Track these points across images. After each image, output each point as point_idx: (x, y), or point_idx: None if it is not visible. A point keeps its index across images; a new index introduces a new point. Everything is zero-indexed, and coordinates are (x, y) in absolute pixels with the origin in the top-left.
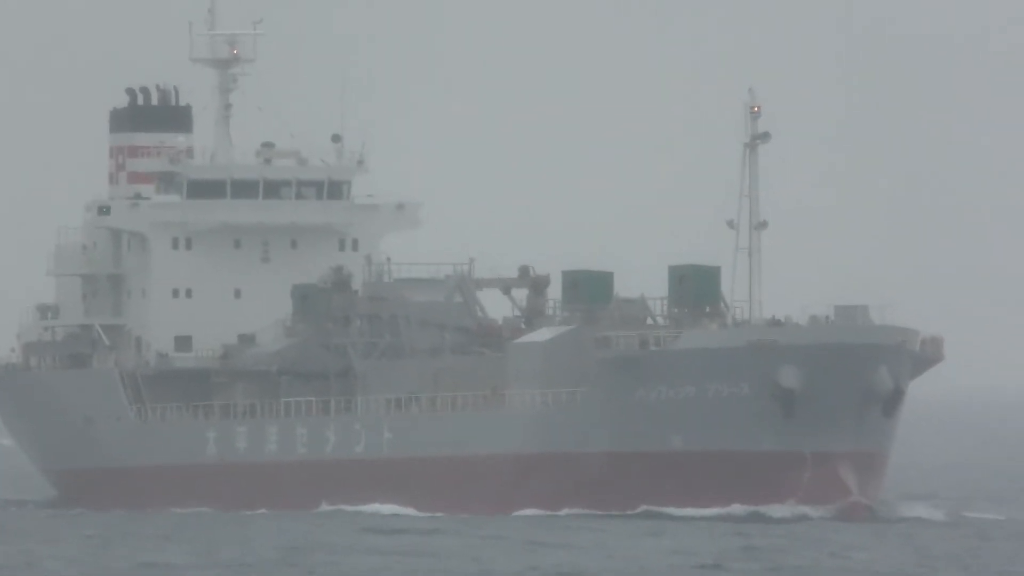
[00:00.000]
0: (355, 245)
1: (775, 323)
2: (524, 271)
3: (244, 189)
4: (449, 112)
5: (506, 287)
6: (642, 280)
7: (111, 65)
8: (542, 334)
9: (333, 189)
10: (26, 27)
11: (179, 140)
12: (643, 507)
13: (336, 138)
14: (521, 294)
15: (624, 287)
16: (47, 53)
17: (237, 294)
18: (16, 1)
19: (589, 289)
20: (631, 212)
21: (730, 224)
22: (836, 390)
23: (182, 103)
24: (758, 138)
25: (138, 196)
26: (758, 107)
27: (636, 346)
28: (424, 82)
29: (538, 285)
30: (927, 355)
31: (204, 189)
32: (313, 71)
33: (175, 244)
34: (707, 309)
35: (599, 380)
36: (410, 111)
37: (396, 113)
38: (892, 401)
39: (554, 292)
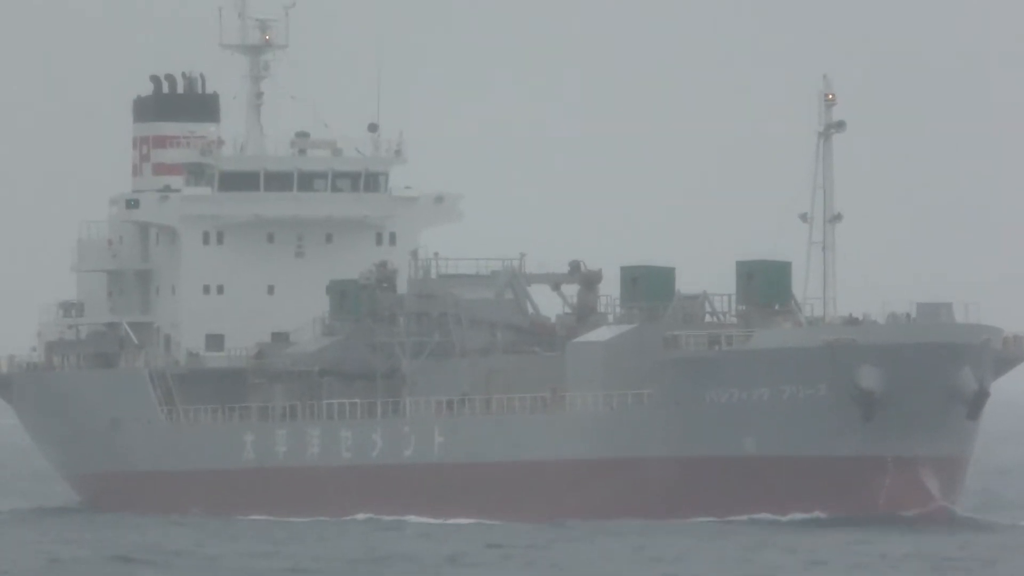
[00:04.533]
0: (393, 239)
1: (852, 321)
2: (575, 266)
3: (278, 181)
4: (491, 98)
5: (556, 283)
6: (700, 275)
7: (134, 52)
8: (602, 333)
9: (370, 181)
10: (46, 11)
11: (210, 130)
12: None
13: (372, 127)
14: (571, 290)
15: (684, 283)
16: (67, 39)
17: (270, 290)
18: None
19: (650, 286)
20: (691, 204)
21: (803, 217)
22: (918, 391)
23: (209, 91)
24: (832, 127)
25: (167, 188)
26: (832, 95)
27: (706, 346)
28: (464, 68)
29: (589, 281)
30: (1010, 354)
31: (236, 181)
32: (348, 58)
33: (206, 238)
34: (777, 307)
35: (666, 381)
36: (449, 98)
37: (435, 101)
38: (976, 403)
39: (605, 288)
